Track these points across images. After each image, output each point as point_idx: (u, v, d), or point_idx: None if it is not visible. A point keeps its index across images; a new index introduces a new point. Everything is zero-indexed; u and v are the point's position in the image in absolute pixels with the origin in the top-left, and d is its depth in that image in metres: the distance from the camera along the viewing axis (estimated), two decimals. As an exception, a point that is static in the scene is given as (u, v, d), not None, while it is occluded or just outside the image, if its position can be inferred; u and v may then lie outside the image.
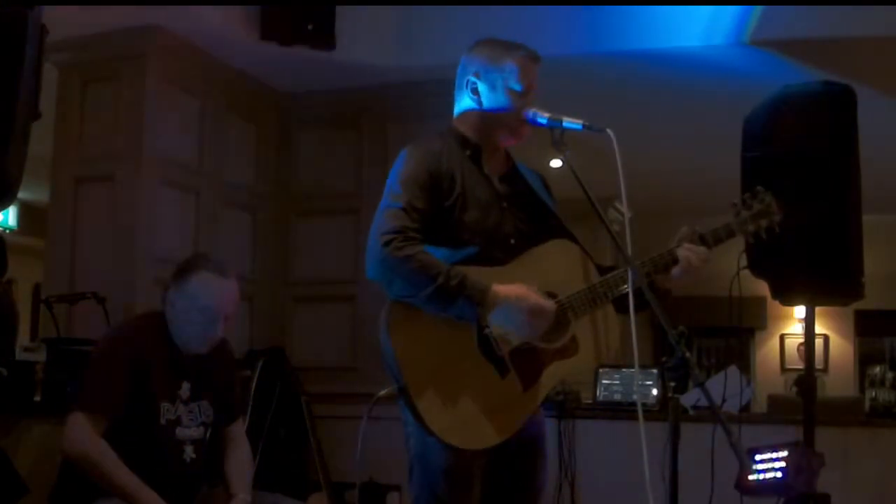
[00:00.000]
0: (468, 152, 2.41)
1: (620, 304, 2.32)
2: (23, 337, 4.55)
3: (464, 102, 2.46)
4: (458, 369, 2.21)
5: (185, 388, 2.69)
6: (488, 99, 2.41)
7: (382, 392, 2.22)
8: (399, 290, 2.22)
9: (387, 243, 2.20)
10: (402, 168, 2.34)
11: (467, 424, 2.20)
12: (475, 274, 2.23)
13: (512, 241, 2.36)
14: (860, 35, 4.38)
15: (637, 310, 2.21)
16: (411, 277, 2.18)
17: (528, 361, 2.25)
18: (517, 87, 2.37)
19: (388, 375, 2.24)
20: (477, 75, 2.42)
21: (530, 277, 2.30)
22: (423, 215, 2.27)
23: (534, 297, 2.22)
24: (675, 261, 2.33)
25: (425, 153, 2.36)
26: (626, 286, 2.25)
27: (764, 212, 2.43)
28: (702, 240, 2.37)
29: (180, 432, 2.66)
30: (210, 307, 2.64)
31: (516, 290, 2.22)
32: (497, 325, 2.22)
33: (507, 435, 2.25)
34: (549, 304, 2.24)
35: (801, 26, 4.38)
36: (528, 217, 2.43)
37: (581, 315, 2.31)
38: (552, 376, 2.29)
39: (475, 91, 2.42)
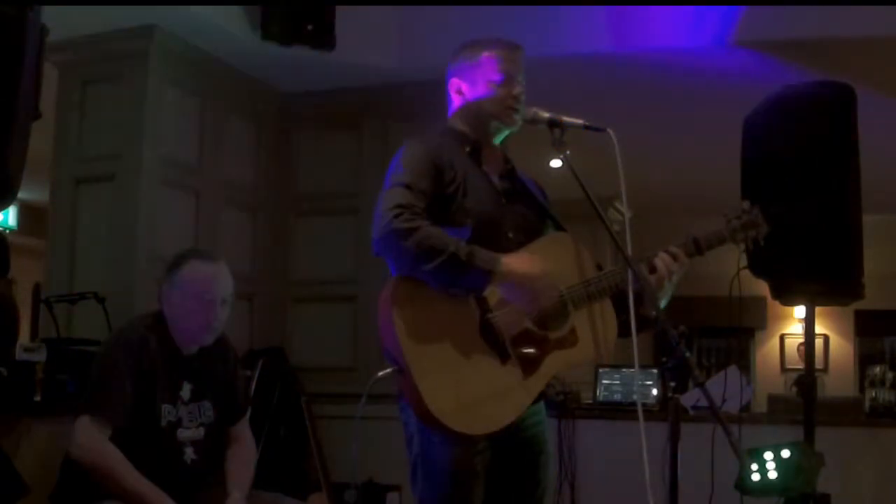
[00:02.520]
0: (467, 149, 2.43)
1: (623, 327, 2.34)
2: (23, 337, 4.55)
3: (454, 104, 2.50)
4: (459, 353, 2.21)
5: (185, 389, 2.69)
6: (472, 93, 2.45)
7: (380, 374, 2.20)
8: (407, 262, 2.21)
9: (396, 216, 2.19)
10: (404, 156, 2.35)
11: (467, 409, 2.19)
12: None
13: (510, 236, 2.38)
14: (854, 34, 4.38)
15: (637, 328, 2.22)
16: (422, 247, 2.17)
17: (529, 349, 2.26)
18: (496, 78, 2.41)
19: (386, 357, 2.23)
20: (459, 77, 2.47)
21: None
22: (427, 197, 2.28)
23: (540, 265, 2.24)
24: (653, 269, 2.38)
25: (426, 144, 2.39)
26: (625, 283, 2.27)
27: (751, 223, 2.51)
28: (696, 244, 2.44)
29: (181, 434, 2.66)
30: (205, 293, 2.66)
31: (525, 261, 2.24)
32: (504, 296, 2.23)
33: (505, 422, 2.24)
34: (552, 285, 2.25)
35: (793, 26, 4.38)
36: (525, 214, 2.45)
37: (580, 307, 2.32)
38: (552, 366, 2.30)
39: (459, 92, 2.47)
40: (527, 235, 2.39)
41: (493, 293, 2.25)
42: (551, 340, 2.29)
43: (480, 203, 2.35)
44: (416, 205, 2.24)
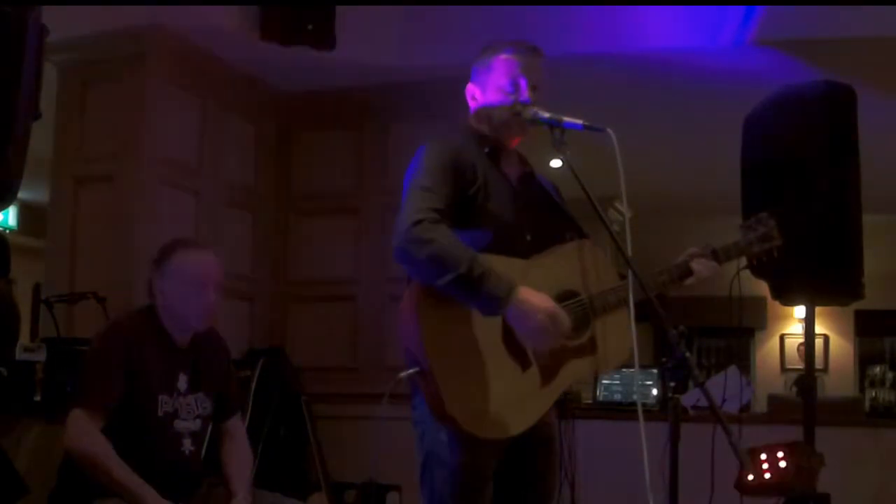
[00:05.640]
0: (486, 150, 2.43)
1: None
2: (23, 337, 4.56)
3: (470, 109, 2.49)
4: (481, 359, 2.20)
5: (182, 381, 2.71)
6: (483, 99, 2.44)
7: (403, 374, 2.19)
8: (421, 274, 2.19)
9: (416, 223, 2.17)
10: (425, 157, 2.33)
11: (486, 414, 2.19)
12: (502, 266, 2.21)
13: (528, 238, 2.37)
14: (862, 35, 4.38)
15: (640, 318, 2.22)
16: (434, 261, 2.15)
17: (548, 357, 2.26)
18: (504, 84, 2.38)
19: (408, 358, 2.21)
20: (474, 82, 2.47)
21: (553, 274, 2.31)
22: (448, 198, 2.26)
23: (554, 307, 2.19)
24: (689, 273, 2.44)
25: (446, 146, 2.37)
26: (632, 288, 2.26)
27: (767, 236, 2.56)
28: (714, 255, 2.48)
29: (178, 424, 2.68)
30: (198, 275, 2.70)
31: (540, 298, 2.19)
32: (511, 323, 2.20)
33: (521, 429, 2.25)
34: (566, 321, 2.21)
35: (804, 26, 4.38)
36: (543, 217, 2.44)
37: (600, 316, 2.33)
38: (569, 374, 2.31)
39: (474, 98, 2.47)
40: (545, 239, 2.38)
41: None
42: (571, 348, 2.29)
43: (500, 206, 2.35)
44: (437, 207, 2.21)
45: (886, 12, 4.22)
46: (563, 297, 2.30)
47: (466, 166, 2.32)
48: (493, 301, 2.16)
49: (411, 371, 2.19)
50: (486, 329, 2.21)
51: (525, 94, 2.37)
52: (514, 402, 2.22)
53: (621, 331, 2.35)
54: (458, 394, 2.16)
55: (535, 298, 2.18)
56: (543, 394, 2.27)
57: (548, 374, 2.26)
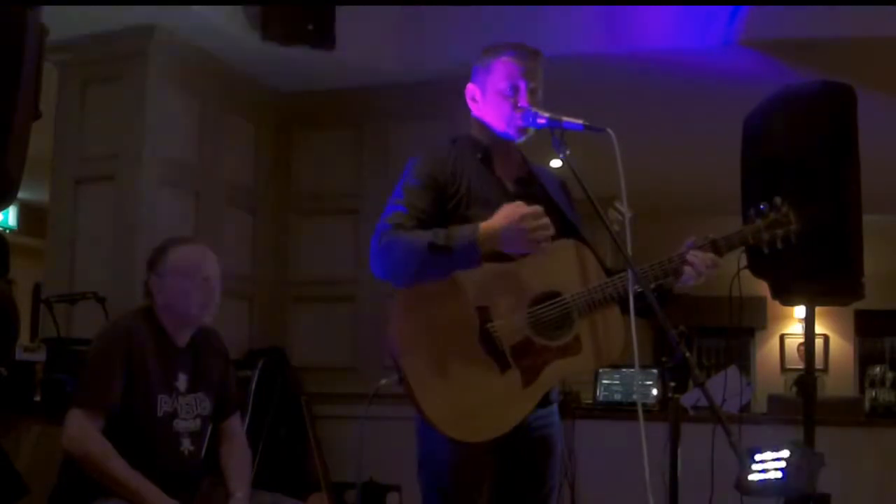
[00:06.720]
0: (479, 155, 2.44)
1: (625, 305, 2.32)
2: (23, 337, 4.56)
3: (471, 111, 2.50)
4: (458, 362, 2.22)
5: (181, 381, 2.71)
6: (482, 102, 2.45)
7: (383, 381, 2.23)
8: (401, 273, 2.24)
9: (380, 238, 2.26)
10: (406, 175, 2.39)
11: (464, 417, 2.21)
12: (478, 275, 2.24)
13: None
14: (854, 35, 4.39)
15: (641, 314, 2.21)
16: (404, 252, 2.21)
17: (529, 357, 2.26)
18: (502, 87, 2.39)
19: (391, 365, 2.27)
20: (474, 83, 2.47)
21: (535, 276, 2.31)
22: (424, 214, 2.30)
23: (512, 207, 2.20)
24: (683, 266, 2.34)
25: (430, 159, 2.40)
26: (633, 287, 2.25)
27: (779, 221, 2.44)
28: (713, 246, 2.39)
29: (178, 424, 2.68)
30: (195, 267, 2.72)
31: (499, 213, 2.21)
32: (505, 250, 2.22)
33: (503, 430, 2.25)
34: (528, 208, 2.21)
35: (795, 26, 4.38)
36: None
37: (585, 315, 2.31)
38: (554, 374, 2.30)
39: (473, 99, 2.47)
40: None
41: (495, 305, 2.25)
42: (554, 348, 2.29)
43: (488, 212, 2.34)
44: (405, 224, 2.27)
45: (873, 12, 4.22)
46: (544, 298, 2.30)
47: (447, 178, 2.35)
48: (469, 248, 2.18)
49: (388, 380, 2.25)
50: (462, 333, 2.24)
51: (524, 97, 2.37)
52: (493, 403, 2.24)
53: (614, 328, 2.34)
54: (434, 398, 2.20)
55: (495, 218, 2.20)
56: (526, 394, 2.27)
57: (529, 375, 2.26)
